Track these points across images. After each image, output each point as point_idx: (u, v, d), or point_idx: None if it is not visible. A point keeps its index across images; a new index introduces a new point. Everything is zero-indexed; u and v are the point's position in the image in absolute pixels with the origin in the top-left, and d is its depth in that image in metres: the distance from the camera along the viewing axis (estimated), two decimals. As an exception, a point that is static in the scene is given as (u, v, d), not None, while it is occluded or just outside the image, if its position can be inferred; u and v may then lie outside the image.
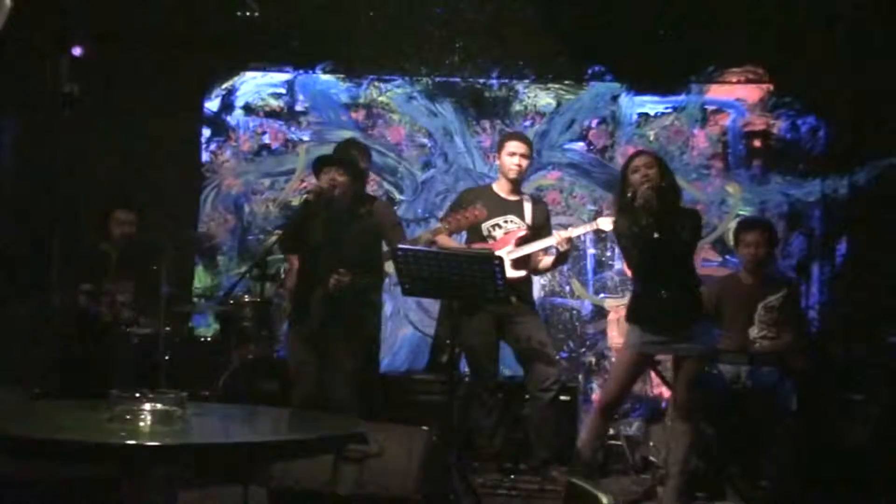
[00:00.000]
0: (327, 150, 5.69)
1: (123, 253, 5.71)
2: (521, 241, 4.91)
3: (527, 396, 4.99)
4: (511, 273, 4.75)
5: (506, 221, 4.98)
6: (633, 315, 4.39)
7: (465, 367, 5.25)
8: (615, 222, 4.43)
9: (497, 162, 5.13)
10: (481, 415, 4.95)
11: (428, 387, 5.56)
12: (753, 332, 5.01)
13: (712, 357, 4.83)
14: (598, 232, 5.75)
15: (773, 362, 4.86)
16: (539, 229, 4.99)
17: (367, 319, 4.89)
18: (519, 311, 4.89)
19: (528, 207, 5.03)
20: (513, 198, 5.04)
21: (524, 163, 5.00)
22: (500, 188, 5.06)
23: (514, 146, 4.98)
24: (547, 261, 4.98)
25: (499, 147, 5.09)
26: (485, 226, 4.97)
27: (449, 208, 5.15)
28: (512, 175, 4.98)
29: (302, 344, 4.67)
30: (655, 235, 4.19)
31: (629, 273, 4.84)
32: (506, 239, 4.93)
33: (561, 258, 4.91)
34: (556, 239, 4.78)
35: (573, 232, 4.86)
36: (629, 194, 4.28)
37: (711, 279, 6.14)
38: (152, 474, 2.90)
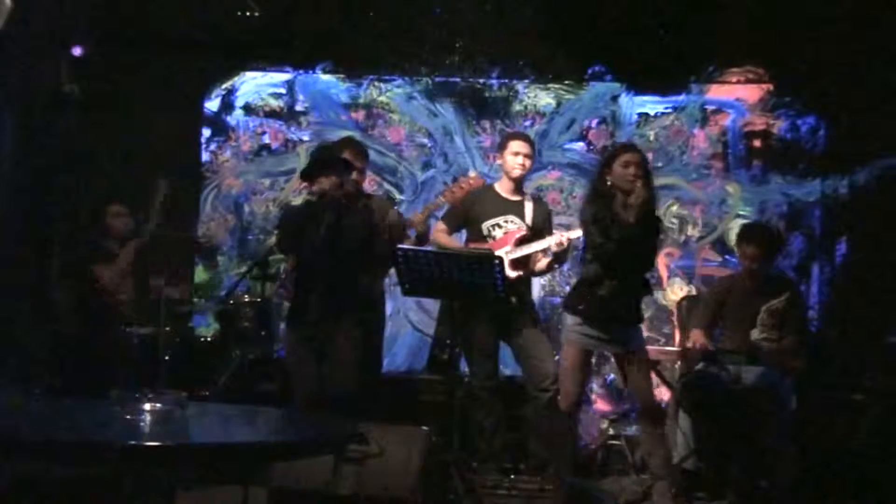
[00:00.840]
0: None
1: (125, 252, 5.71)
2: (520, 242, 4.90)
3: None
4: (509, 273, 4.75)
5: (506, 221, 4.98)
6: (575, 305, 4.36)
7: (465, 367, 5.25)
8: (586, 207, 4.39)
9: (499, 161, 5.12)
10: (481, 415, 4.95)
11: (428, 387, 5.56)
12: (755, 333, 5.00)
13: (702, 357, 4.84)
14: None
15: (773, 362, 4.85)
16: (539, 230, 4.99)
17: (368, 318, 4.89)
18: (518, 311, 4.89)
19: (528, 207, 5.02)
20: (514, 198, 5.03)
21: (528, 162, 5.00)
22: (502, 188, 5.05)
23: (518, 146, 4.97)
24: (543, 262, 4.97)
25: (501, 146, 5.08)
26: (485, 225, 4.97)
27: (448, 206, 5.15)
28: (515, 174, 4.98)
29: (301, 343, 4.67)
30: (630, 236, 4.18)
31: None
32: (505, 239, 4.92)
33: (557, 260, 4.90)
34: (553, 240, 4.77)
35: (570, 234, 4.84)
36: (608, 183, 4.26)
37: (711, 279, 6.16)
38: (152, 474, 2.90)
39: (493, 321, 4.87)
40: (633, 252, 4.20)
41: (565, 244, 4.72)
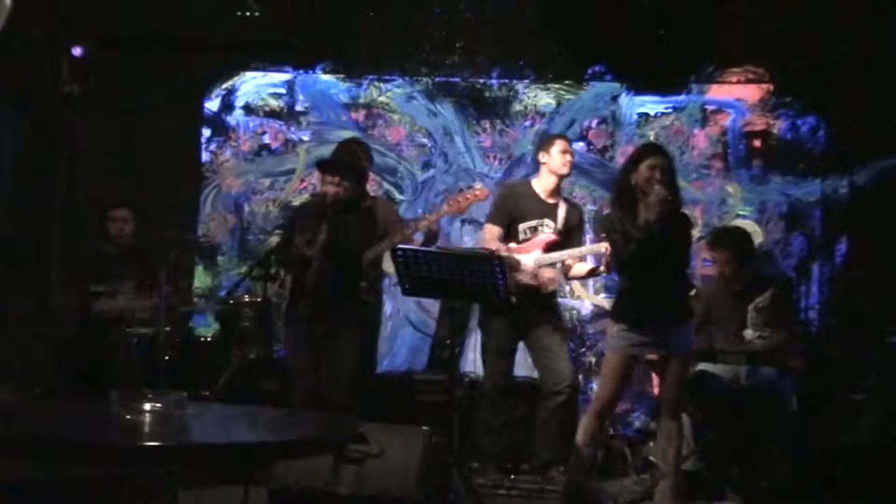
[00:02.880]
0: (327, 150, 5.69)
1: (125, 253, 5.70)
2: (549, 248, 4.90)
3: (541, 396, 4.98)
4: (529, 281, 4.76)
5: (541, 224, 4.98)
6: (620, 314, 4.35)
7: (465, 368, 5.25)
8: (609, 214, 4.38)
9: (543, 160, 5.03)
10: (489, 414, 4.95)
11: (428, 387, 5.56)
12: (749, 333, 5.01)
13: (700, 357, 4.83)
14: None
15: (771, 362, 4.86)
16: (570, 232, 4.99)
17: (366, 318, 4.89)
18: (539, 310, 4.89)
19: (561, 211, 5.02)
20: (551, 200, 5.02)
21: (572, 160, 5.06)
22: (541, 188, 5.03)
23: (564, 144, 5.01)
24: (581, 268, 4.94)
25: (545, 146, 5.05)
26: (522, 227, 4.95)
27: (491, 205, 5.12)
28: (564, 171, 5.00)
29: (300, 344, 4.67)
30: (654, 236, 4.16)
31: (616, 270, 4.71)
32: (535, 244, 4.91)
33: (595, 270, 4.86)
34: (586, 250, 4.75)
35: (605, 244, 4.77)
36: (633, 183, 4.23)
37: (711, 279, 6.16)
38: (152, 474, 2.90)
39: (511, 320, 4.87)
40: (660, 253, 4.18)
41: (601, 253, 4.66)
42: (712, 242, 5.17)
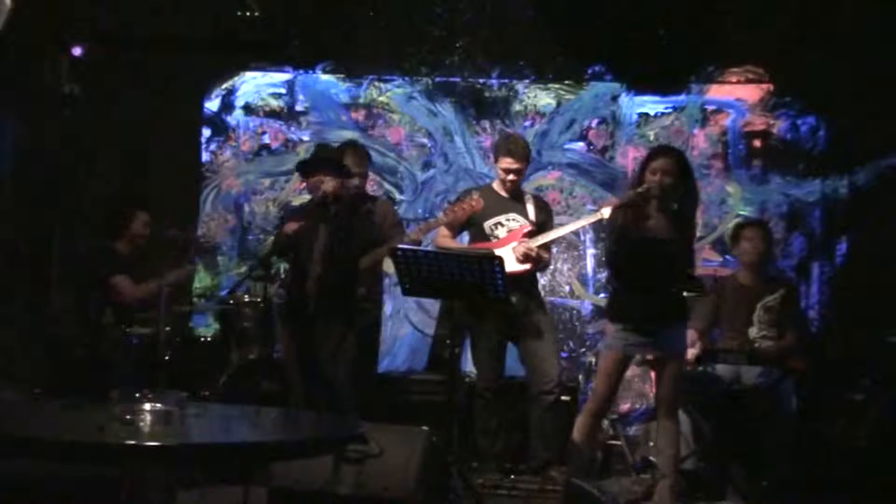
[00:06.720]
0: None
1: (135, 255, 5.70)
2: (528, 236, 4.91)
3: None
4: (516, 267, 4.75)
5: (507, 220, 4.98)
6: (614, 314, 4.34)
7: (466, 367, 5.24)
8: (614, 211, 4.37)
9: (494, 164, 5.12)
10: (485, 415, 4.95)
11: (428, 387, 5.56)
12: (753, 332, 5.02)
13: (698, 358, 4.84)
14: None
15: (773, 362, 4.86)
16: (542, 226, 5.00)
17: (365, 318, 4.89)
18: (529, 309, 4.89)
19: (530, 205, 5.03)
20: (513, 196, 5.03)
21: (519, 178, 5.01)
22: (500, 187, 5.05)
23: (508, 163, 4.93)
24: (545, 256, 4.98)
25: (496, 155, 5.06)
26: (486, 225, 4.96)
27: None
28: (507, 187, 5.00)
29: (298, 344, 4.67)
30: (652, 235, 4.15)
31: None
32: (509, 237, 4.92)
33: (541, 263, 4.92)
34: (600, 214, 4.72)
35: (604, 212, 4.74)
36: (640, 190, 4.20)
37: (712, 279, 6.16)
38: (152, 474, 2.90)
39: (500, 321, 4.87)
40: (648, 251, 4.17)
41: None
42: (743, 224, 5.25)
